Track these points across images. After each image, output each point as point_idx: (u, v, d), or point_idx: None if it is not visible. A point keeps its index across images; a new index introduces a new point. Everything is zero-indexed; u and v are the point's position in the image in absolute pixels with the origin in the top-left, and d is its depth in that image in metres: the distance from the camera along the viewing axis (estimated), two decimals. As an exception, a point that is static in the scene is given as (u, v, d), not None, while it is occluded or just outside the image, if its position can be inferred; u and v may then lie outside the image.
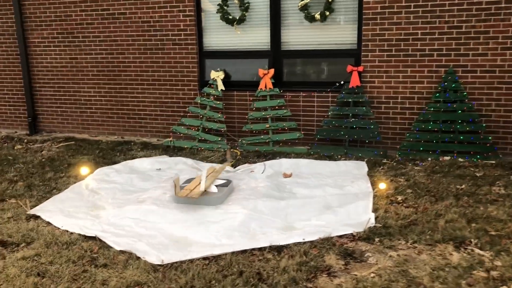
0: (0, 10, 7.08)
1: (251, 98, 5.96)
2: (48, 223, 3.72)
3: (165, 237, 3.46)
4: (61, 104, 7.05)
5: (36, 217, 3.84)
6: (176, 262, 3.03)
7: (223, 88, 5.96)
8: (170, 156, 5.52)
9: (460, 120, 5.08)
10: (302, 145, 5.78)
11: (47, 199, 4.27)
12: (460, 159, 4.98)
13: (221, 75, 5.97)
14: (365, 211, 3.73)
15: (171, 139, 6.15)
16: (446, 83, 5.13)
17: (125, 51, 6.49)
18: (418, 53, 5.27)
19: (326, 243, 3.24)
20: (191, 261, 3.05)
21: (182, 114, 6.36)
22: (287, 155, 5.41)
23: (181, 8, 6.09)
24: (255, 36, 5.94)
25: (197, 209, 3.80)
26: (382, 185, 4.24)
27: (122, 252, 3.19)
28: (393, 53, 5.35)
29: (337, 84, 5.59)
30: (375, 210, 3.75)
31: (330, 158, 5.26)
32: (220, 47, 6.13)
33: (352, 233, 3.38)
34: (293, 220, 3.67)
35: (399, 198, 4.02)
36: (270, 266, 2.95)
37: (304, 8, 5.54)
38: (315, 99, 5.73)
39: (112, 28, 6.49)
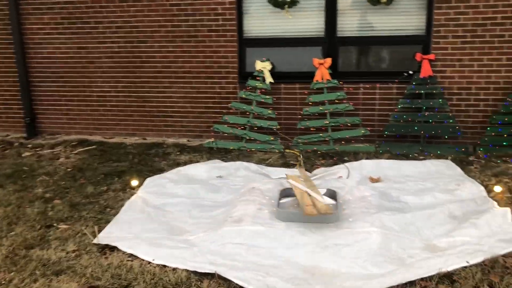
0: (-12, -9, 6.01)
1: (306, 91, 5.34)
2: (132, 256, 2.96)
3: (293, 267, 2.82)
4: (67, 101, 6.11)
5: (111, 248, 3.07)
6: (342, 305, 2.40)
7: (272, 81, 5.30)
8: (224, 160, 4.81)
9: (546, 111, 4.73)
10: (364, 143, 5.25)
11: (106, 222, 3.48)
12: (550, 155, 4.63)
13: (268, 65, 5.30)
14: (505, 221, 3.24)
15: (212, 139, 5.42)
16: (529, 72, 4.75)
17: (148, 39, 5.66)
18: (496, 39, 4.85)
19: (498, 267, 2.72)
20: (358, 301, 2.44)
21: (218, 110, 5.64)
22: (354, 155, 4.86)
23: (219, -11, 5.35)
24: (307, 21, 5.31)
25: (313, 228, 3.17)
26: (498, 188, 3.79)
27: (261, 293, 2.52)
28: (468, 39, 4.91)
29: (405, 74, 5.09)
30: (514, 219, 3.28)
31: (406, 157, 4.76)
32: (263, 34, 5.45)
33: (514, 251, 2.88)
34: (429, 237, 3.13)
35: (527, 203, 3.57)
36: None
37: (368, -11, 4.97)
38: (377, 91, 5.20)
39: (132, 13, 5.63)
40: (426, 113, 4.92)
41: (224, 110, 5.58)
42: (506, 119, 4.78)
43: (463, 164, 4.50)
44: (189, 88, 5.68)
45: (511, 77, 4.89)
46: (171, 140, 5.75)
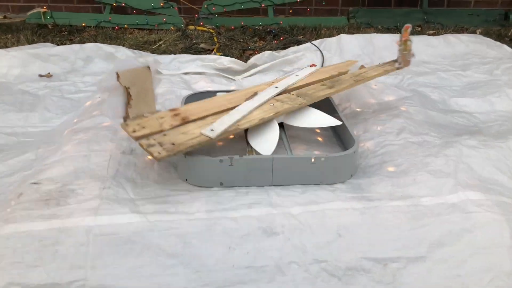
0: None
1: None
2: None
3: None
4: None
5: None
6: None
7: None
8: (61, 42, 2.47)
9: None
10: (326, 14, 3.17)
11: None
12: None
13: None
14: None
15: (44, 8, 2.94)
16: None
17: None
18: None
19: None
20: None
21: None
22: (313, 32, 2.78)
23: None
24: None
25: (293, 205, 1.11)
26: None
27: None
28: None
29: None
30: None
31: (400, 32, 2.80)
32: None
33: None
34: None
35: None
36: None
37: None
38: None
39: None
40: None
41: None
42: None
43: (503, 41, 2.67)
44: None
45: None
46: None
